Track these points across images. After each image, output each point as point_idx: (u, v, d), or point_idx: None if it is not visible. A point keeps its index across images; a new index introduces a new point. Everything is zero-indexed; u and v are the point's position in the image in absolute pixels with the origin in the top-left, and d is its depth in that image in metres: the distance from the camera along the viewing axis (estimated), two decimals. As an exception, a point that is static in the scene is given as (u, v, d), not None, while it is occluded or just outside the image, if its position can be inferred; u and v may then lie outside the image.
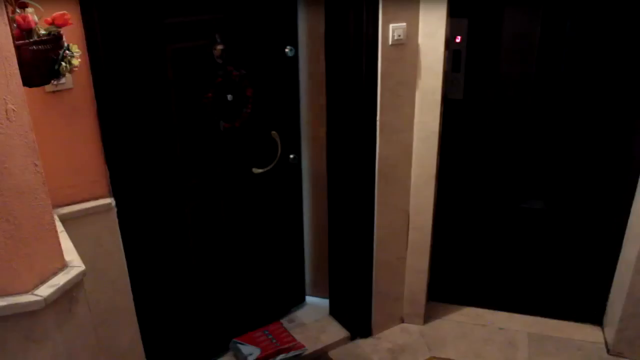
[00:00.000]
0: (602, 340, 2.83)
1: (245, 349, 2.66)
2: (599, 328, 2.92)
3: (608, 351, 2.76)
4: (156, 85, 2.16)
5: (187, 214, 2.43)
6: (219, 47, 2.28)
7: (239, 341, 2.72)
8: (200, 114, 2.33)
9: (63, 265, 1.46)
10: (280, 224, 2.82)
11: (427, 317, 3.00)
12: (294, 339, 2.74)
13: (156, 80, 2.16)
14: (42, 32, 1.53)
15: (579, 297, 2.93)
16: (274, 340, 2.71)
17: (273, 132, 2.59)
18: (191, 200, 2.43)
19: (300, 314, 3.06)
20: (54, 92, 1.83)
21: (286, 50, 2.50)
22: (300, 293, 3.10)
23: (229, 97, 2.39)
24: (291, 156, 2.69)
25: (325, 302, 3.10)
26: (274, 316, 2.94)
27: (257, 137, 2.56)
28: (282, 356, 2.64)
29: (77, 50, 1.64)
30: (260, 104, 2.49)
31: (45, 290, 1.37)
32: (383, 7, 2.25)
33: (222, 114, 2.39)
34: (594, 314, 2.92)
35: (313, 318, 3.03)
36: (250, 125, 2.50)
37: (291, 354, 2.67)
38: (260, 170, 2.58)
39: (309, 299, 3.18)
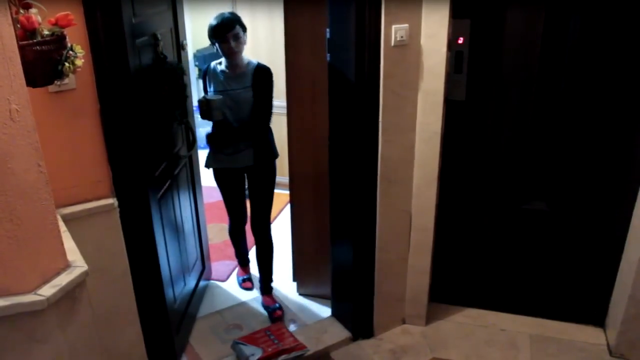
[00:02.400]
0: (604, 342, 2.83)
1: (247, 349, 2.66)
2: (601, 330, 2.91)
3: (610, 353, 2.75)
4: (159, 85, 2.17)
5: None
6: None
7: (241, 342, 2.72)
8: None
9: (66, 265, 1.47)
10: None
11: (429, 318, 3.00)
12: (296, 340, 2.74)
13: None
14: (46, 32, 1.53)
15: (581, 298, 2.92)
16: (276, 341, 2.71)
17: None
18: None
19: (302, 315, 3.07)
20: (57, 92, 1.84)
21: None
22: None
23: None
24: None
25: (327, 303, 3.10)
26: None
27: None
28: (284, 357, 2.64)
29: (81, 50, 1.64)
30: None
31: (48, 290, 1.38)
32: (385, 8, 2.25)
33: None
34: (596, 316, 2.92)
35: (315, 319, 3.03)
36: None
37: (293, 354, 2.67)
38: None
39: (310, 299, 3.19)
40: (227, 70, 2.80)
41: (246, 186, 3.10)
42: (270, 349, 2.66)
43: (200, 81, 5.98)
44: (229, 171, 2.97)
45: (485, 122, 2.73)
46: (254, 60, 2.84)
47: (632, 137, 2.53)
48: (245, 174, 3.02)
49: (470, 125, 2.74)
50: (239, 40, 2.70)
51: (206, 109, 2.67)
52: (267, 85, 2.80)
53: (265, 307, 3.09)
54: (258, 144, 2.88)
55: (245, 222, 3.25)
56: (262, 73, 2.79)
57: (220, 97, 2.71)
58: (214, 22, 2.70)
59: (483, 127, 2.74)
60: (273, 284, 3.20)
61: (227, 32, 2.65)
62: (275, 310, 3.03)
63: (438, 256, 2.91)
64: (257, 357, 2.62)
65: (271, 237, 3.11)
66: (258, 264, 3.18)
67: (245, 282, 3.35)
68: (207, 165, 2.97)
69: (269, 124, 2.89)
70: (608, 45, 2.46)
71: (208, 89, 2.88)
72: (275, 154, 2.98)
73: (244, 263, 3.44)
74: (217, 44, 2.73)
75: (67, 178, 1.96)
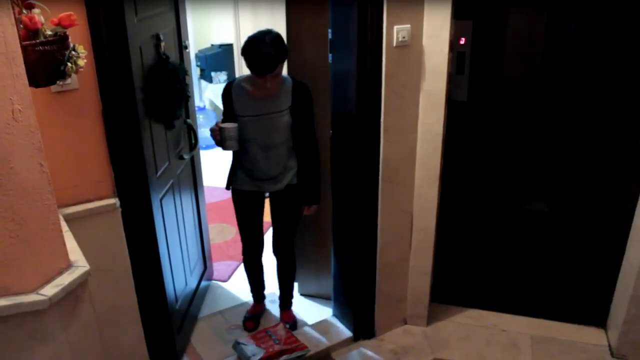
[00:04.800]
0: (606, 343, 2.83)
1: (249, 349, 2.66)
2: (602, 331, 2.91)
3: (612, 354, 2.75)
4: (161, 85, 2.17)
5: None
6: None
7: (243, 342, 2.72)
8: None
9: (68, 265, 1.47)
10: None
11: (430, 319, 3.00)
12: (297, 340, 2.74)
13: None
14: (49, 33, 1.54)
15: (583, 299, 2.92)
16: (277, 341, 2.71)
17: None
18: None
19: (303, 315, 3.07)
20: (59, 92, 1.84)
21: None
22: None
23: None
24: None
25: (328, 303, 3.10)
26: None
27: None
28: (285, 357, 2.64)
29: (83, 50, 1.64)
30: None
31: (50, 290, 1.38)
32: (387, 8, 2.25)
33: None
34: (597, 317, 2.91)
35: (316, 319, 3.03)
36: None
37: (294, 354, 2.66)
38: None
39: (311, 299, 3.19)
40: (257, 91, 2.44)
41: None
42: (271, 349, 2.66)
43: (202, 82, 6.03)
44: (252, 194, 2.67)
45: (487, 123, 2.73)
46: (287, 75, 2.53)
47: (634, 137, 2.53)
48: (269, 195, 2.70)
49: (472, 126, 2.74)
50: (278, 77, 2.39)
51: (220, 138, 2.42)
52: (308, 107, 2.51)
53: (284, 323, 2.94)
54: (308, 180, 2.63)
55: (262, 250, 2.89)
56: (302, 92, 2.48)
57: (236, 125, 2.41)
58: (252, 49, 2.29)
59: (485, 127, 2.74)
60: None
61: (267, 73, 2.30)
62: (293, 326, 2.95)
63: (439, 257, 2.91)
64: (258, 357, 2.62)
65: (294, 255, 2.87)
66: (279, 280, 2.96)
67: (248, 322, 2.97)
68: (228, 186, 2.69)
69: (318, 152, 2.62)
70: (610, 46, 2.45)
71: (230, 110, 2.53)
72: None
73: (259, 299, 3.06)
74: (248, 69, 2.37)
75: (69, 178, 1.97)
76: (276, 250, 2.83)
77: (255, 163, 2.54)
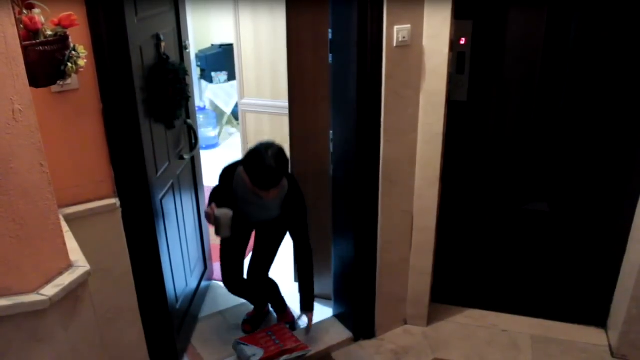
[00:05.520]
0: (606, 343, 2.83)
1: (249, 349, 2.66)
2: (602, 331, 2.91)
3: (612, 354, 2.75)
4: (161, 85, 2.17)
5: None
6: None
7: (243, 342, 2.72)
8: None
9: (68, 265, 1.47)
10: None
11: (431, 319, 3.00)
12: (297, 340, 2.74)
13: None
14: (49, 33, 1.54)
15: (583, 299, 2.92)
16: (278, 342, 2.71)
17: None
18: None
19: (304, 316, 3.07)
20: (60, 92, 1.84)
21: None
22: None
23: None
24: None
25: (328, 303, 3.10)
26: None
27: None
28: (285, 357, 2.64)
29: (83, 51, 1.64)
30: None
31: (50, 290, 1.38)
32: (388, 8, 2.25)
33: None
34: (597, 317, 2.91)
35: (316, 319, 3.03)
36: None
37: (294, 355, 2.66)
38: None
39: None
40: (257, 193, 2.36)
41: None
42: (271, 349, 2.66)
43: (202, 82, 6.03)
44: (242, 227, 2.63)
45: (487, 123, 2.74)
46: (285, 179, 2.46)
47: (634, 137, 2.53)
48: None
49: (472, 125, 2.74)
50: (278, 189, 2.37)
51: (214, 224, 2.42)
52: (299, 211, 2.54)
53: (284, 323, 2.92)
54: (303, 287, 2.70)
55: (242, 273, 2.85)
56: (294, 198, 2.50)
57: (231, 213, 2.39)
58: (256, 166, 2.26)
59: (485, 127, 2.74)
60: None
61: (271, 187, 2.31)
62: (293, 326, 2.96)
63: (440, 257, 2.91)
64: (258, 357, 2.62)
65: (269, 279, 2.88)
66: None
67: (246, 324, 2.98)
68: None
69: (311, 260, 2.65)
70: (610, 46, 2.46)
71: (227, 191, 2.50)
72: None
73: (257, 307, 3.07)
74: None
75: (69, 178, 1.97)
76: (251, 275, 2.82)
77: (248, 216, 2.56)
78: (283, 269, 3.40)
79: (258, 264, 2.80)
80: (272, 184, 2.29)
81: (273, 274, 2.88)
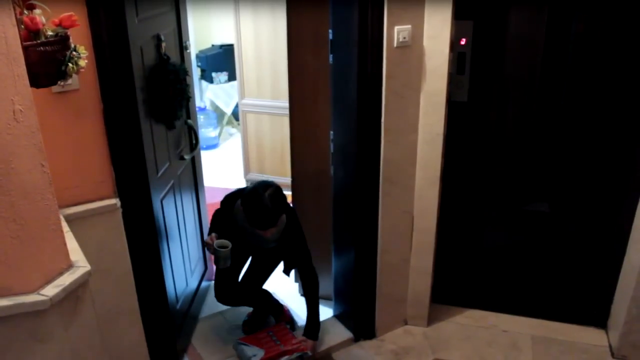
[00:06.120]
0: (607, 344, 2.82)
1: (249, 350, 2.66)
2: (603, 331, 2.91)
3: (612, 354, 2.75)
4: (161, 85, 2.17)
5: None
6: None
7: (243, 342, 2.72)
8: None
9: (69, 266, 1.47)
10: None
11: (431, 319, 3.00)
12: (298, 341, 2.74)
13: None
14: (50, 33, 1.54)
15: (583, 299, 2.92)
16: (278, 342, 2.71)
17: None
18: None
19: (304, 316, 3.06)
20: (60, 92, 1.85)
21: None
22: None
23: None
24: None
25: (328, 304, 3.10)
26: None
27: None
28: (285, 358, 2.64)
29: (84, 51, 1.65)
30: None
31: (50, 290, 1.38)
32: (388, 9, 2.25)
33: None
34: (598, 317, 2.91)
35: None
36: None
37: (295, 355, 2.66)
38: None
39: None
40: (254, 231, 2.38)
41: None
42: (272, 350, 2.66)
43: (203, 82, 6.04)
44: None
45: (488, 123, 2.74)
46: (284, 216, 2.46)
47: (635, 137, 2.53)
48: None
49: (473, 126, 2.74)
50: (277, 227, 2.39)
51: (214, 256, 2.46)
52: (298, 242, 2.58)
53: (284, 323, 2.91)
54: (310, 313, 2.70)
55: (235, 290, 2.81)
56: (292, 232, 2.52)
57: (229, 247, 2.42)
58: (254, 207, 2.28)
59: (485, 128, 2.74)
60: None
61: (269, 227, 2.34)
62: (292, 326, 2.95)
63: (440, 257, 2.91)
64: (259, 357, 2.62)
65: (263, 291, 2.87)
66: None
67: (245, 325, 2.95)
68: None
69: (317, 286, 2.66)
70: (611, 47, 2.46)
71: (230, 220, 2.49)
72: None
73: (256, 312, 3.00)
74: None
75: (70, 178, 1.97)
76: (243, 287, 2.81)
77: (247, 245, 2.56)
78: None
79: (251, 280, 2.82)
80: (269, 224, 2.32)
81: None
